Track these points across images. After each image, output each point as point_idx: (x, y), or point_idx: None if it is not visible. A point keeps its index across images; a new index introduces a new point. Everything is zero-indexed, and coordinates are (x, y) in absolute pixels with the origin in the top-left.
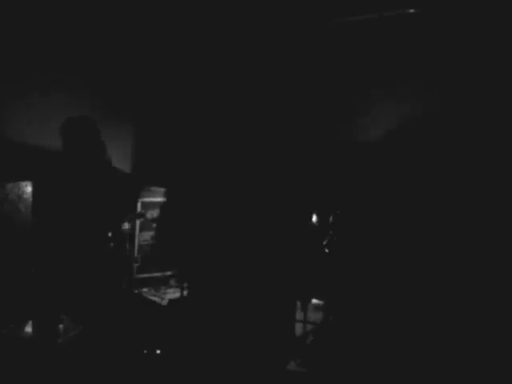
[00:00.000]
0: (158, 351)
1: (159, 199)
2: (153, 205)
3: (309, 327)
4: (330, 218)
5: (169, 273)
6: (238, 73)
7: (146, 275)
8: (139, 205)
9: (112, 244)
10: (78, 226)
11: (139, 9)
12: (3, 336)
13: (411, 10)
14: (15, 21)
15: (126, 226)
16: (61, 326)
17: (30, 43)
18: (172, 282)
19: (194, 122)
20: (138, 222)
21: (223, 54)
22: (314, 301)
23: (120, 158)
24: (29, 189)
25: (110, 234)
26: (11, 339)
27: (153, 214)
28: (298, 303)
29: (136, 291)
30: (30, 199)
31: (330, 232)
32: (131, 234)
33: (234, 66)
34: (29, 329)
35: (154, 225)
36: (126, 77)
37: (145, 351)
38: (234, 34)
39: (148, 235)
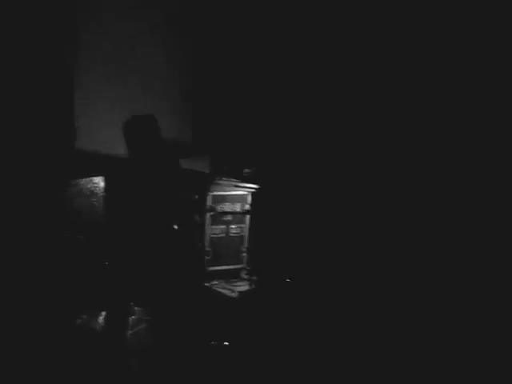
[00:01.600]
0: (226, 343)
1: (229, 193)
2: (222, 198)
3: None
4: None
5: (239, 266)
6: None
7: (216, 268)
8: (209, 198)
9: (181, 237)
10: (147, 219)
11: None
12: (76, 326)
13: None
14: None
15: (197, 219)
16: (132, 317)
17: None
18: (242, 274)
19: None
20: (208, 216)
21: None
22: None
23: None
24: (101, 184)
25: (175, 227)
26: (83, 329)
27: (222, 207)
28: None
29: (206, 284)
30: (103, 194)
31: None
32: (202, 228)
33: None
34: (101, 320)
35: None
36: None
37: (213, 343)
38: None
39: (219, 228)
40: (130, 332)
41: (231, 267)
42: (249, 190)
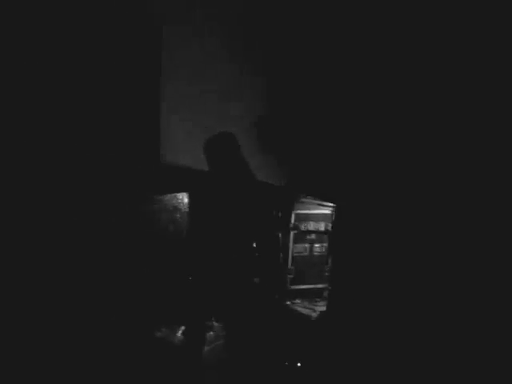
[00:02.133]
0: (299, 364)
1: (312, 211)
2: (306, 217)
3: None
4: None
5: (322, 285)
6: None
7: (299, 286)
8: (293, 217)
9: (260, 254)
10: (229, 236)
11: None
12: (156, 338)
13: None
14: None
15: (280, 237)
16: (211, 333)
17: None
18: (325, 294)
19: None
20: (291, 234)
21: None
22: None
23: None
24: (185, 200)
25: (254, 245)
26: (162, 342)
27: (306, 226)
28: None
29: (288, 302)
30: (186, 210)
31: None
32: (285, 246)
33: None
34: (179, 334)
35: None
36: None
37: (286, 363)
38: None
39: (302, 247)
40: (208, 348)
41: (314, 286)
42: (333, 209)
